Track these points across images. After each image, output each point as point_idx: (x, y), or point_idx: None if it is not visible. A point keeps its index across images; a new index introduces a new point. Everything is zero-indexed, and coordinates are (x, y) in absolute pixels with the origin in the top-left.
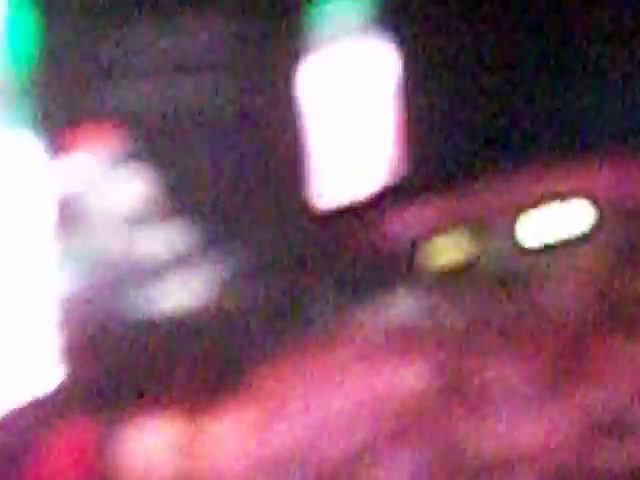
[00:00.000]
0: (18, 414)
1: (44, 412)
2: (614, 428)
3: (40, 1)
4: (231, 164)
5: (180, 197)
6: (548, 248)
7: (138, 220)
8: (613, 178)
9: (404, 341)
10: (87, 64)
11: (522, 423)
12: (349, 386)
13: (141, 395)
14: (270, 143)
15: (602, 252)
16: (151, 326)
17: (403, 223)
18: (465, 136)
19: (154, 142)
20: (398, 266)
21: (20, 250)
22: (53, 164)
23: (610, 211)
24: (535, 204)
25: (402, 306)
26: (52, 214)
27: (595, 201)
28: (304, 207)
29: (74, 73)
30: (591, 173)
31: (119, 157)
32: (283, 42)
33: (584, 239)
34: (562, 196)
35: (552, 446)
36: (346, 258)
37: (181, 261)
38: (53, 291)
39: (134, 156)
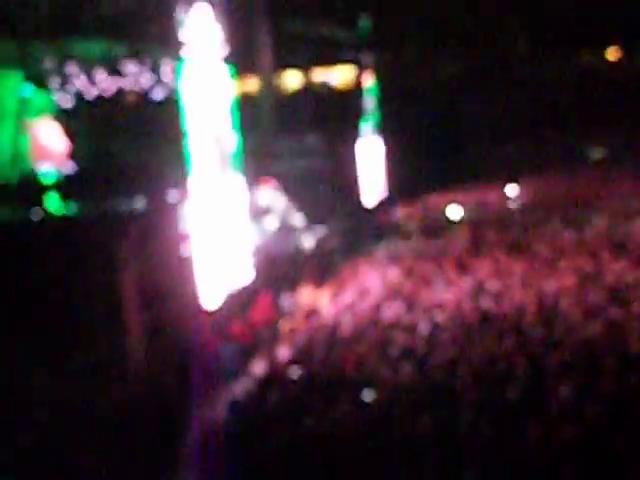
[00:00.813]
0: (244, 290)
1: (253, 288)
2: (477, 295)
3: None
4: (323, 189)
5: (301, 205)
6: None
7: (285, 213)
8: (467, 198)
9: (394, 259)
10: (263, 156)
11: (441, 292)
12: (373, 278)
13: (290, 282)
14: (343, 180)
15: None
16: (299, 255)
17: (393, 213)
18: (418, 179)
19: (290, 184)
20: (393, 229)
21: (238, 225)
22: (253, 192)
23: (468, 210)
24: (449, 203)
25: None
26: (249, 212)
27: (463, 205)
28: (358, 205)
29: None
30: (462, 195)
31: (277, 189)
32: (346, 140)
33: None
34: (455, 202)
35: (452, 301)
36: (375, 227)
37: (305, 228)
38: (255, 241)
39: (282, 190)
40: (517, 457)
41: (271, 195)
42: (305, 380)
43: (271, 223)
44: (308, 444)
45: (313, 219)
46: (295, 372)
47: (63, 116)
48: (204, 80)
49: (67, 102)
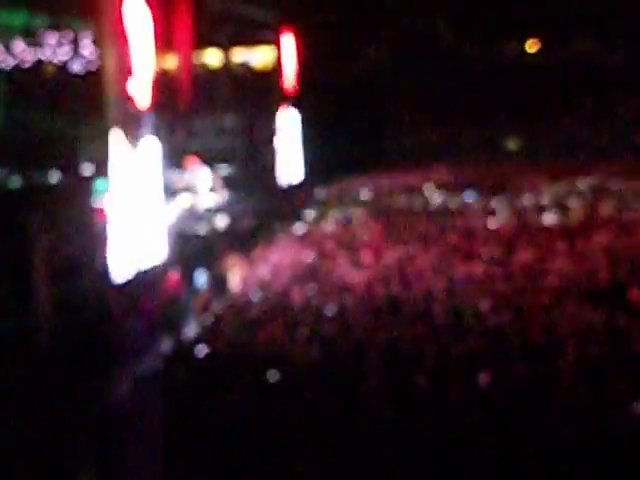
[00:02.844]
0: (155, 266)
1: (164, 265)
2: (388, 280)
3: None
4: (242, 168)
5: (223, 182)
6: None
7: (204, 190)
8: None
9: (308, 241)
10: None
11: (352, 275)
12: (285, 258)
13: (202, 260)
14: (260, 161)
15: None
16: (212, 234)
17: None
18: (336, 163)
19: (213, 161)
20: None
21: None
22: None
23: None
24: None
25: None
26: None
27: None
28: (274, 186)
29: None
30: (378, 180)
31: (200, 166)
32: (264, 122)
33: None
34: (370, 186)
35: (363, 284)
36: (291, 208)
37: (221, 208)
38: (167, 221)
39: (205, 166)
40: (421, 443)
41: (190, 173)
42: (211, 359)
43: (187, 201)
44: (212, 422)
45: (229, 198)
46: (201, 350)
47: None
48: (123, 54)
49: None
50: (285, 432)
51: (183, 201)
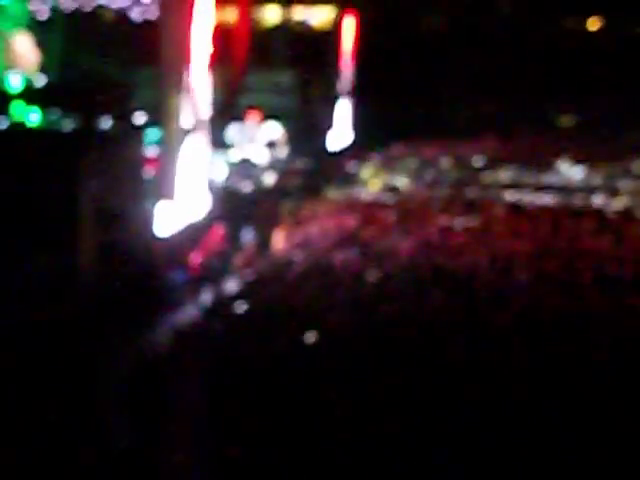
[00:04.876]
0: (199, 220)
1: (209, 220)
2: (429, 246)
3: None
4: (293, 127)
5: (275, 139)
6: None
7: (256, 146)
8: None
9: (354, 205)
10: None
11: (396, 242)
12: (330, 220)
13: (247, 216)
14: (310, 121)
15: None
16: (260, 191)
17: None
18: (387, 129)
19: (266, 118)
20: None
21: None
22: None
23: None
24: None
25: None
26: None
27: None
28: (325, 147)
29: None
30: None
31: (259, 121)
32: (318, 82)
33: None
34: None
35: (407, 252)
36: (339, 171)
37: (271, 165)
38: (216, 175)
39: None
40: (454, 422)
41: (245, 128)
42: (250, 315)
43: (237, 156)
44: (245, 378)
45: (279, 156)
46: (240, 306)
47: (38, 27)
48: (183, 4)
49: (43, 14)
50: (317, 392)
51: (233, 156)
